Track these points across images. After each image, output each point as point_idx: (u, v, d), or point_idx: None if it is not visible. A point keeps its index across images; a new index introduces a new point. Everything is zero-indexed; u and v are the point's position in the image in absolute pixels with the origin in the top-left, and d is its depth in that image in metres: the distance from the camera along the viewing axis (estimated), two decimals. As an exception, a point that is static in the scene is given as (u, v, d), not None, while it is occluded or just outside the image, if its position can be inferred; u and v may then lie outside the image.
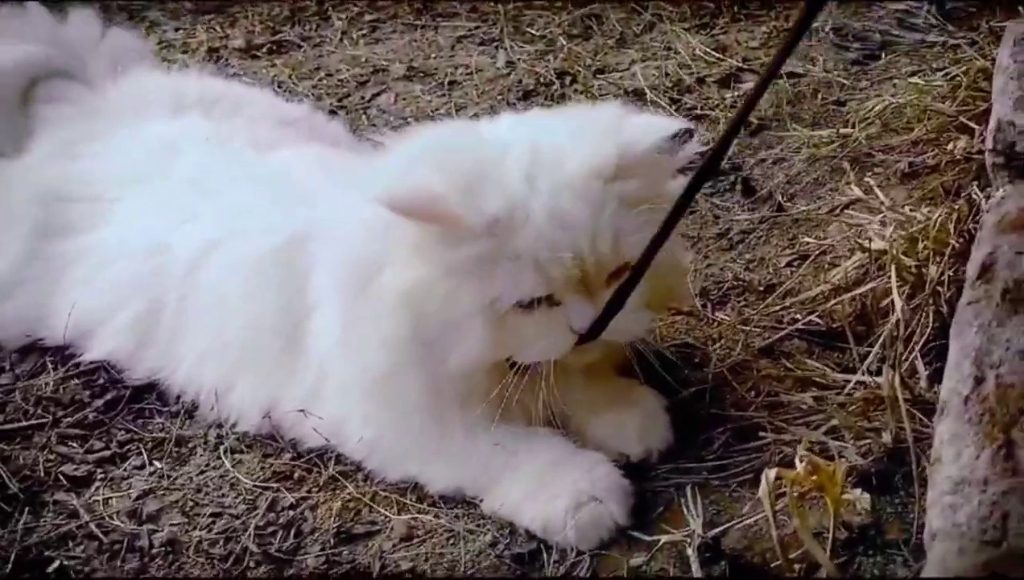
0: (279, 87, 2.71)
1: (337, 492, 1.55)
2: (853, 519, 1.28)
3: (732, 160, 2.24)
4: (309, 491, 1.56)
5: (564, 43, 2.86)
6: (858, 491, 1.24)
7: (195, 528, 1.53)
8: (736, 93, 2.49)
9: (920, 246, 1.61)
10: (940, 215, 1.63)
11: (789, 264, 1.92)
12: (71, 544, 1.52)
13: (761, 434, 1.52)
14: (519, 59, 2.80)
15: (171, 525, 1.53)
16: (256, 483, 1.58)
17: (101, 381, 1.80)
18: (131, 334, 1.74)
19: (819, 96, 2.43)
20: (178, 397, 1.74)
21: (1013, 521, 0.99)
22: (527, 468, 1.45)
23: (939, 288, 1.61)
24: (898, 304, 1.48)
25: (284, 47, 3.02)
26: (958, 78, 2.25)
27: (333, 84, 2.79)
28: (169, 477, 1.63)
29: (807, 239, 1.93)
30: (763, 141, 2.30)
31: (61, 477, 1.63)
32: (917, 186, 2.00)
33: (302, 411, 1.56)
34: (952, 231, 1.59)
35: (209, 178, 1.80)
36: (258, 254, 1.62)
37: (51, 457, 1.67)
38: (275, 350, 1.59)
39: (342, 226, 1.51)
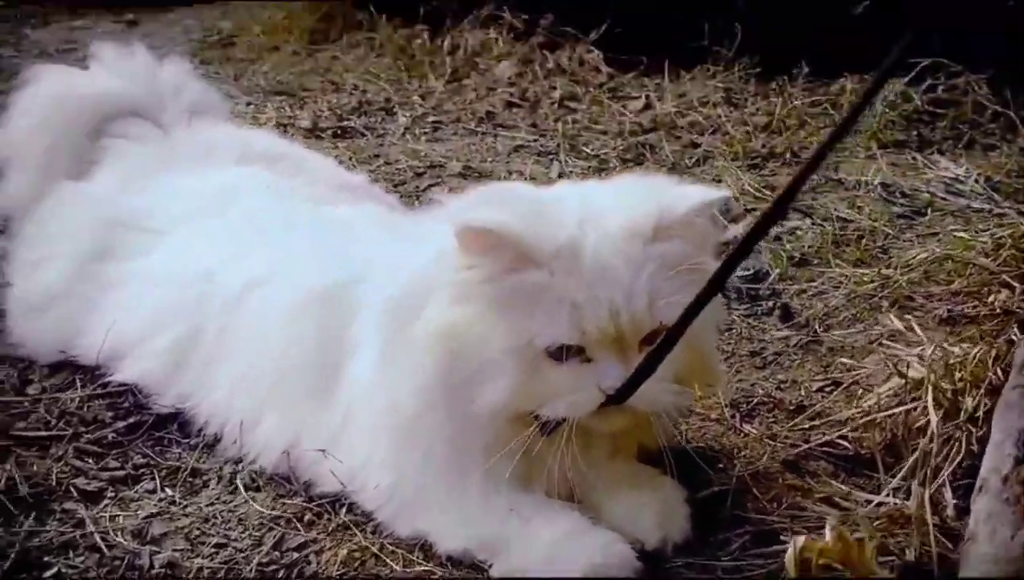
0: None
1: (345, 540, 1.53)
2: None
3: (772, 287, 2.26)
4: (317, 535, 1.54)
5: (616, 165, 2.94)
6: (886, 571, 1.20)
7: (198, 556, 1.51)
8: (781, 228, 2.53)
9: (957, 376, 1.60)
10: (980, 350, 1.63)
11: (821, 389, 1.92)
12: (72, 554, 1.50)
13: (782, 537, 1.49)
14: (571, 172, 2.87)
15: (174, 549, 1.52)
16: (264, 520, 1.56)
17: (126, 405, 1.81)
18: (166, 357, 1.75)
19: (863, 241, 2.47)
20: (200, 430, 1.74)
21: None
22: (542, 537, 1.43)
23: (970, 426, 1.60)
24: (933, 421, 1.47)
25: (348, 133, 3.12)
26: (1003, 239, 2.28)
27: (391, 171, 2.87)
28: (179, 504, 1.61)
29: (843, 359, 1.93)
30: (804, 274, 2.33)
31: (72, 489, 1.63)
32: (955, 332, 2.00)
33: (323, 451, 1.55)
34: (990, 365, 1.59)
35: (264, 219, 1.84)
36: (306, 293, 1.65)
37: (65, 469, 1.67)
38: (308, 388, 1.59)
39: (392, 272, 1.54)
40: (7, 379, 1.89)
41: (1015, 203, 2.67)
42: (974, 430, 1.59)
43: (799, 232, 2.53)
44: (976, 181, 2.80)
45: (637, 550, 1.44)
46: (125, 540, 1.52)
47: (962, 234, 2.37)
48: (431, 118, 3.29)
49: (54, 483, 1.63)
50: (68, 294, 1.90)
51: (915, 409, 1.62)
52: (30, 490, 1.61)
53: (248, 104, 3.25)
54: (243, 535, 1.54)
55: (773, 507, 1.58)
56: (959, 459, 1.55)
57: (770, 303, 2.21)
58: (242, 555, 1.50)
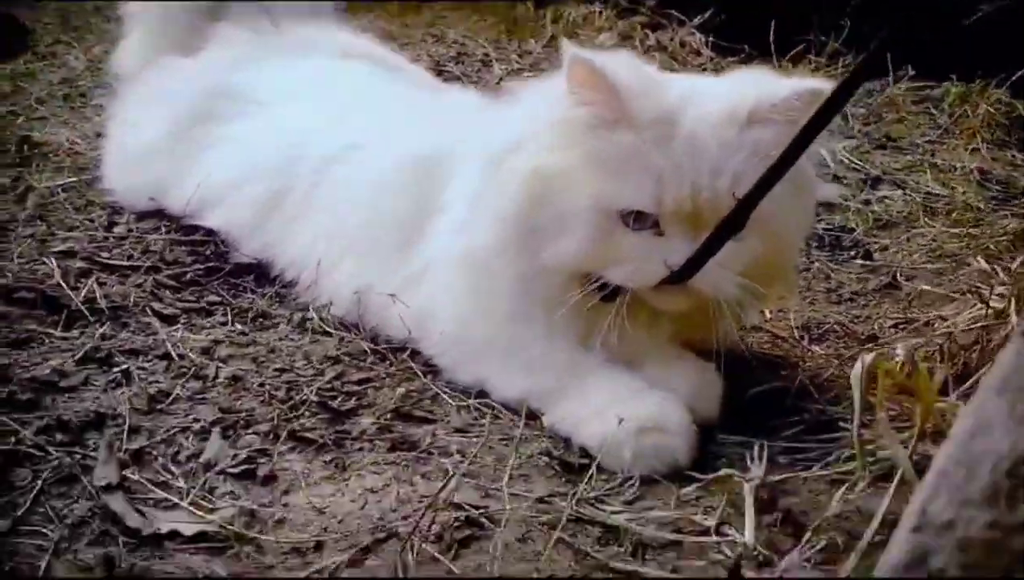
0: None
1: (404, 380, 1.55)
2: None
3: (856, 239, 2.24)
4: (378, 374, 1.56)
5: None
6: (952, 398, 1.17)
7: (261, 375, 1.54)
8: (875, 195, 2.50)
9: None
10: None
11: (896, 325, 1.89)
12: (142, 358, 1.54)
13: (841, 425, 1.46)
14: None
15: (240, 367, 1.55)
16: (328, 356, 1.59)
17: (207, 252, 1.87)
18: (254, 207, 1.80)
19: (953, 214, 2.42)
20: (275, 278, 1.77)
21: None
22: (600, 389, 1.43)
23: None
24: (1013, 320, 1.43)
25: (444, 77, 3.16)
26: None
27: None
28: (248, 335, 1.65)
29: (922, 303, 1.89)
30: (891, 234, 2.30)
31: (148, 310, 1.67)
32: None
33: (392, 295, 1.58)
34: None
35: (368, 94, 1.89)
36: (403, 157, 1.68)
37: (142, 294, 1.72)
38: (391, 241, 1.62)
39: (487, 136, 1.56)
40: (96, 219, 1.96)
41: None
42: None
43: (888, 200, 2.49)
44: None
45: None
46: (194, 355, 1.56)
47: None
48: (526, 73, 3.32)
49: (131, 303, 1.68)
50: (165, 150, 1.96)
51: (992, 336, 1.58)
52: (108, 304, 1.66)
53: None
54: (306, 366, 1.57)
55: (839, 409, 1.56)
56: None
57: (852, 252, 2.18)
58: (303, 380, 1.53)
